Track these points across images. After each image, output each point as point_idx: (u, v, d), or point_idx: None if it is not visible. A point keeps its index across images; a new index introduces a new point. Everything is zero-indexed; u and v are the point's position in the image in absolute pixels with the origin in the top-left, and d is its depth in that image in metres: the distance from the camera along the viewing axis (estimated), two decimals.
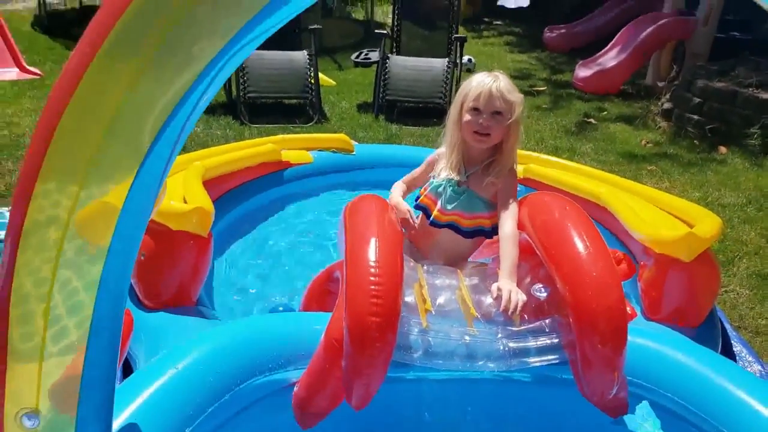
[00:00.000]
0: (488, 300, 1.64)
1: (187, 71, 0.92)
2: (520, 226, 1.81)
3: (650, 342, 1.68)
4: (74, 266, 0.95)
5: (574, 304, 1.47)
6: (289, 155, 3.36)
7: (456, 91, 1.93)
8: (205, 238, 2.16)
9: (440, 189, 1.92)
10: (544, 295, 1.62)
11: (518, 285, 1.67)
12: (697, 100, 5.50)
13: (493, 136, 1.83)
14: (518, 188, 1.99)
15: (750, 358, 2.27)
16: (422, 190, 2.01)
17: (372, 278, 1.44)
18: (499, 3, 6.61)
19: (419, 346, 1.53)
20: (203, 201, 2.20)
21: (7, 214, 1.05)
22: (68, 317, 0.96)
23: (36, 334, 0.95)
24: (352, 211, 1.72)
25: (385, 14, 10.38)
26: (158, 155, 0.95)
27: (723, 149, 5.06)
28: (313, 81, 5.46)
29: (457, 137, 1.89)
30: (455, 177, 1.90)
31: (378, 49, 5.93)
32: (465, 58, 6.50)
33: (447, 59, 5.78)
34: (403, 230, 1.87)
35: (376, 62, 5.92)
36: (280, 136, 3.61)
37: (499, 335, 1.56)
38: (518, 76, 7.59)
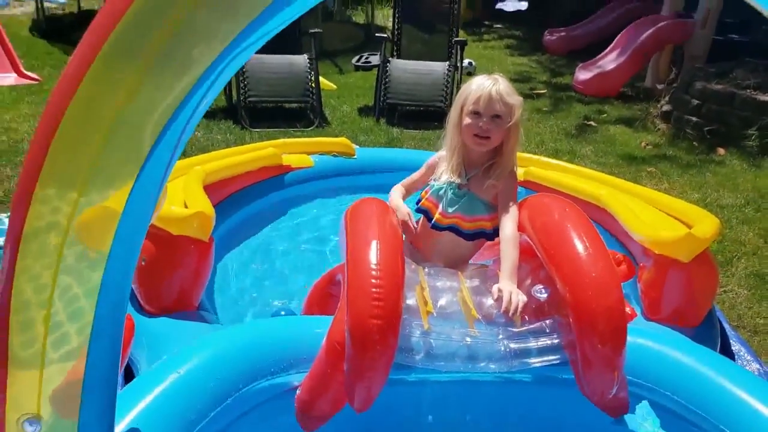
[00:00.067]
0: (489, 301, 1.65)
1: (186, 75, 0.92)
2: (521, 228, 1.81)
3: (650, 342, 1.68)
4: (75, 272, 0.95)
5: (574, 305, 1.47)
6: (290, 159, 3.36)
7: (456, 94, 1.93)
8: (206, 242, 2.16)
9: (441, 192, 1.92)
10: (545, 296, 1.63)
11: (519, 286, 1.68)
12: (696, 102, 5.50)
13: (493, 139, 1.84)
14: (519, 190, 1.99)
15: (748, 357, 2.28)
16: (423, 193, 2.01)
17: (373, 281, 1.44)
18: (497, 6, 6.64)
19: (421, 348, 1.53)
20: (204, 206, 2.21)
21: (7, 221, 1.05)
22: (69, 323, 0.96)
23: (36, 341, 0.95)
24: (353, 214, 1.72)
25: (385, 18, 10.40)
26: (158, 160, 0.96)
27: (721, 151, 5.07)
28: (313, 85, 5.47)
29: (457, 140, 1.90)
30: (456, 180, 1.90)
31: (378, 53, 5.95)
32: (465, 62, 6.51)
33: (447, 63, 5.79)
34: (403, 233, 1.87)
35: (377, 66, 5.92)
36: (281, 141, 3.62)
37: (500, 336, 1.56)
38: (518, 79, 7.60)
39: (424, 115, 5.60)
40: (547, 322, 1.59)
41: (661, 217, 2.47)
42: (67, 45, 7.49)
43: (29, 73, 6.16)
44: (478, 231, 1.92)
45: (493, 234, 1.91)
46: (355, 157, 3.60)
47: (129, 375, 1.92)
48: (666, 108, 5.93)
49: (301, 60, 5.52)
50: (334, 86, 6.64)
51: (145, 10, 0.86)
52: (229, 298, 2.54)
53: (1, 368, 0.94)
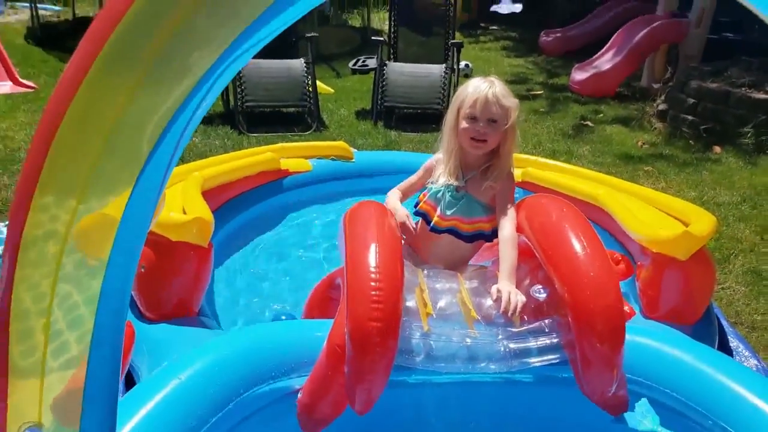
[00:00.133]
0: (488, 302, 1.66)
1: (184, 81, 0.93)
2: (519, 229, 1.82)
3: (648, 340, 1.69)
4: (74, 280, 0.95)
5: (573, 305, 1.48)
6: (288, 164, 3.36)
7: (453, 96, 1.94)
8: (205, 248, 2.16)
9: (439, 195, 1.93)
10: (543, 296, 1.64)
11: (518, 286, 1.69)
12: (692, 100, 5.52)
13: (490, 142, 1.85)
14: (517, 191, 2.00)
15: (746, 353, 2.29)
16: (421, 196, 2.02)
17: (372, 284, 1.45)
18: (492, 9, 6.66)
19: (421, 350, 1.54)
20: (203, 211, 2.21)
21: (5, 229, 1.05)
22: (69, 332, 0.96)
23: (36, 350, 0.95)
24: (352, 217, 1.73)
25: (381, 21, 10.43)
26: (156, 166, 0.96)
27: (717, 149, 5.08)
28: (310, 89, 5.48)
29: (454, 143, 1.91)
30: (453, 182, 1.91)
31: (375, 56, 5.95)
32: (462, 64, 6.52)
33: (444, 65, 5.81)
34: (402, 235, 1.88)
35: (374, 69, 5.93)
36: (279, 145, 3.62)
37: (500, 336, 1.57)
38: (515, 81, 7.62)
39: (421, 118, 5.61)
40: (546, 321, 1.59)
41: (659, 215, 2.47)
42: (62, 52, 7.48)
43: (25, 81, 6.15)
44: (476, 233, 1.92)
45: (492, 235, 1.91)
46: (354, 160, 3.61)
47: (130, 382, 1.92)
48: (662, 107, 5.95)
49: (298, 64, 5.53)
50: (332, 90, 6.65)
51: (142, 16, 0.86)
52: (229, 303, 2.54)
53: (2, 377, 0.94)
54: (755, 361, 2.25)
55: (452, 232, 1.92)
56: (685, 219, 2.35)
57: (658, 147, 5.26)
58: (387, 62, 5.86)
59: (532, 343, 1.55)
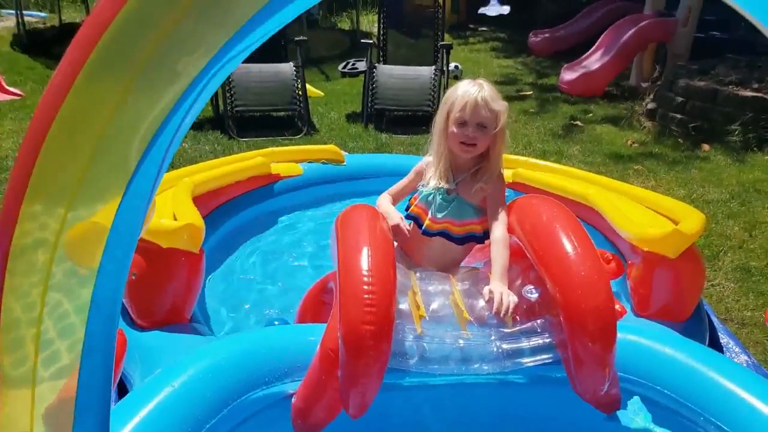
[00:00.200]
0: (481, 303, 1.66)
1: (172, 87, 0.92)
2: (510, 230, 1.83)
3: (640, 338, 1.70)
4: (64, 289, 0.95)
5: (564, 305, 1.49)
6: (279, 168, 3.36)
7: (443, 98, 1.94)
8: (196, 254, 2.15)
9: (430, 198, 1.93)
10: (535, 296, 1.64)
11: (509, 287, 1.69)
12: (680, 99, 5.57)
13: (479, 146, 1.85)
14: (508, 192, 2.01)
15: (737, 349, 2.30)
16: (412, 199, 2.02)
17: (365, 287, 1.45)
18: (480, 11, 6.69)
19: (414, 352, 1.54)
20: (193, 217, 2.20)
21: None
22: (60, 341, 0.96)
23: (27, 360, 0.94)
24: (344, 221, 1.73)
25: (370, 24, 10.44)
26: (146, 173, 0.96)
27: (706, 146, 5.13)
28: (300, 92, 5.48)
29: (443, 146, 1.91)
30: (444, 185, 1.91)
31: (365, 59, 5.96)
32: (452, 65, 6.54)
33: (434, 67, 5.82)
34: (395, 238, 1.88)
35: (364, 72, 5.94)
36: (270, 149, 3.61)
37: (493, 337, 1.57)
38: (505, 81, 7.65)
39: (412, 120, 5.62)
40: (539, 321, 1.60)
41: (648, 214, 2.49)
42: (49, 59, 7.43)
43: (11, 89, 6.11)
44: (468, 235, 1.93)
45: (483, 237, 1.92)
46: (345, 163, 3.61)
47: (122, 390, 1.90)
48: (651, 106, 5.99)
49: (288, 68, 5.53)
50: (322, 93, 6.65)
51: (130, 22, 0.86)
52: (221, 309, 2.53)
53: None
54: (745, 357, 2.27)
55: (444, 234, 1.93)
56: (674, 217, 2.37)
57: (648, 146, 5.30)
58: (376, 65, 5.87)
59: (525, 344, 1.56)
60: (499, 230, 1.83)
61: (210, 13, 0.87)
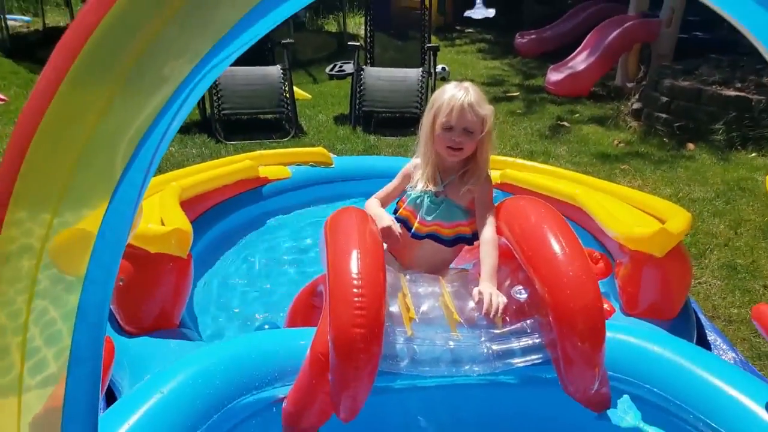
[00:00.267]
0: (470, 304, 1.66)
1: (158, 93, 0.92)
2: (498, 231, 1.83)
3: (629, 337, 1.71)
4: (50, 296, 0.94)
5: (553, 305, 1.50)
6: (267, 171, 3.35)
7: (429, 101, 1.94)
8: (184, 259, 2.14)
9: (418, 201, 1.93)
10: (524, 296, 1.65)
11: (499, 288, 1.70)
12: (665, 99, 5.63)
13: (466, 150, 1.86)
14: (496, 193, 2.01)
15: (724, 347, 2.33)
16: (399, 202, 2.02)
17: (355, 290, 1.44)
18: (466, 14, 6.73)
19: (405, 355, 1.54)
20: (181, 222, 2.19)
21: None
22: (46, 348, 0.95)
23: (14, 368, 0.93)
24: (333, 224, 1.73)
25: (357, 26, 10.44)
26: (132, 179, 0.95)
27: (691, 146, 5.18)
28: (288, 95, 5.47)
29: (430, 149, 1.91)
30: (432, 188, 1.91)
31: (352, 61, 5.96)
32: (439, 67, 6.56)
33: (421, 69, 5.84)
34: (385, 241, 1.88)
35: (351, 74, 5.94)
36: (257, 153, 3.60)
37: (483, 338, 1.58)
38: (491, 83, 7.69)
39: (400, 122, 5.63)
40: (528, 322, 1.61)
41: (635, 213, 2.52)
42: (33, 63, 7.37)
43: None
44: (457, 237, 1.93)
45: (473, 238, 1.92)
46: (333, 166, 3.60)
47: (111, 397, 1.89)
48: (636, 106, 6.05)
49: (275, 71, 5.51)
50: (309, 96, 6.64)
51: (115, 28, 0.85)
52: (210, 314, 2.52)
53: None
54: (733, 354, 2.29)
55: (433, 237, 1.93)
56: (661, 216, 2.39)
57: (634, 145, 5.35)
58: (364, 67, 5.88)
59: (515, 344, 1.57)
60: (488, 231, 1.84)
61: (194, 19, 0.87)
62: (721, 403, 1.51)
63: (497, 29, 11.00)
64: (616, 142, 5.43)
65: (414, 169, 2.00)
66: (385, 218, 1.92)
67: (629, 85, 6.87)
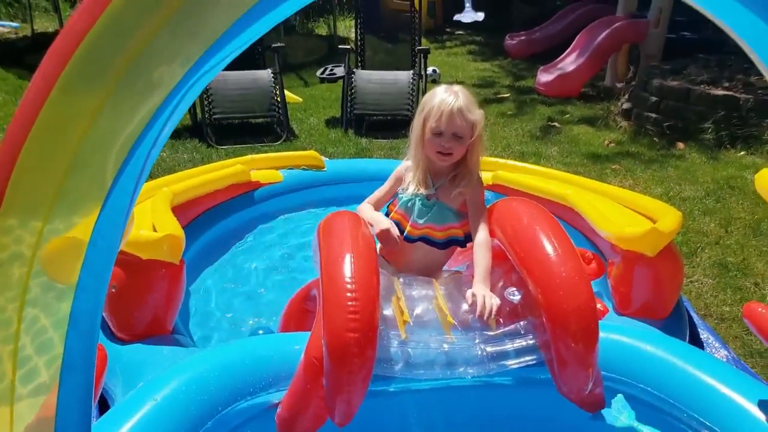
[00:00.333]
0: (464, 307, 1.67)
1: (149, 100, 0.92)
2: (491, 233, 1.84)
3: (622, 336, 1.72)
4: (41, 304, 0.93)
5: (546, 306, 1.50)
6: (259, 175, 3.34)
7: (420, 104, 1.94)
8: (177, 265, 2.13)
9: (410, 204, 1.93)
10: (518, 297, 1.66)
11: (492, 290, 1.70)
12: (654, 98, 5.67)
13: (456, 154, 1.86)
14: (488, 194, 2.01)
15: (717, 345, 2.34)
16: (391, 206, 2.02)
17: (348, 294, 1.44)
18: (455, 18, 6.76)
19: (399, 358, 1.54)
20: (173, 228, 2.18)
21: None
22: (37, 357, 0.94)
23: (5, 377, 0.92)
24: (326, 228, 1.72)
25: (347, 29, 10.45)
26: (124, 186, 0.94)
27: (681, 145, 5.22)
28: (279, 99, 5.46)
29: (421, 153, 1.91)
30: (423, 191, 1.91)
31: (343, 64, 5.96)
32: (429, 69, 6.57)
33: (412, 71, 5.85)
34: (385, 244, 1.87)
35: (342, 77, 5.94)
36: (249, 157, 3.59)
37: (477, 340, 1.58)
38: (482, 84, 7.71)
39: (391, 124, 5.63)
40: (522, 323, 1.61)
41: (626, 213, 2.53)
42: (22, 70, 7.32)
43: None
44: (449, 239, 1.93)
45: (465, 240, 1.93)
46: (325, 169, 3.60)
47: (104, 405, 1.87)
48: (626, 106, 6.09)
49: (265, 75, 5.51)
50: (300, 99, 6.64)
51: (106, 34, 0.85)
52: (203, 319, 2.51)
53: None
54: (725, 352, 2.31)
55: (425, 239, 1.93)
56: (652, 215, 2.41)
57: (624, 145, 5.38)
58: (355, 70, 5.88)
59: (509, 346, 1.57)
60: (480, 233, 1.84)
61: (185, 25, 0.87)
62: (714, 401, 1.52)
63: (487, 31, 11.04)
64: (606, 142, 5.47)
65: (405, 172, 2.00)
66: (383, 221, 1.91)
67: (619, 85, 6.92)
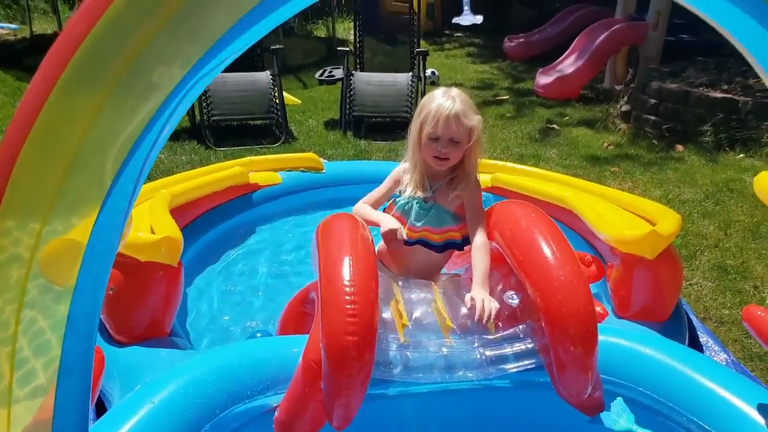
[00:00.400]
0: (463, 310, 1.66)
1: (148, 102, 0.92)
2: (489, 236, 1.83)
3: (621, 340, 1.72)
4: (39, 306, 0.93)
5: (545, 309, 1.50)
6: (257, 177, 3.34)
7: (418, 106, 1.93)
8: (175, 267, 2.12)
9: (407, 207, 1.91)
10: (516, 301, 1.65)
11: (491, 293, 1.70)
12: (653, 101, 5.68)
13: (452, 159, 1.85)
14: (488, 197, 2.01)
15: (716, 348, 2.34)
16: (387, 209, 2.00)
17: (347, 297, 1.44)
18: (453, 21, 6.78)
19: (398, 362, 1.53)
20: (171, 230, 2.17)
21: None
22: (34, 359, 0.94)
23: (2, 379, 0.92)
24: (325, 230, 1.72)
25: (346, 31, 10.46)
26: (122, 188, 0.94)
27: (680, 147, 5.23)
28: (277, 101, 5.46)
29: (418, 156, 1.90)
30: (421, 194, 1.90)
31: (342, 66, 5.97)
32: (428, 71, 6.58)
33: (411, 73, 5.85)
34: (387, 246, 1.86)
35: (341, 79, 5.95)
36: (247, 159, 3.59)
37: (476, 344, 1.58)
38: (481, 87, 7.72)
39: (390, 126, 5.63)
40: (521, 327, 1.61)
41: (626, 216, 2.53)
42: (20, 71, 7.32)
43: None
44: (447, 242, 1.92)
45: (463, 243, 1.92)
46: (324, 171, 3.60)
47: (101, 408, 1.87)
48: (625, 108, 6.10)
49: (264, 76, 5.51)
50: (299, 101, 6.64)
51: (105, 36, 0.85)
52: (201, 322, 2.50)
53: None
54: (725, 355, 2.30)
55: (423, 243, 1.91)
56: (651, 218, 2.40)
57: (623, 147, 5.38)
58: (353, 72, 5.89)
59: (508, 350, 1.57)
60: (478, 237, 1.83)
61: (185, 27, 0.87)
62: (713, 404, 1.51)
63: (486, 33, 11.05)
64: (605, 144, 5.47)
65: (403, 174, 1.99)
66: (390, 221, 1.88)
67: (618, 87, 6.93)
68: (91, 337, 1.01)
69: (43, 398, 0.96)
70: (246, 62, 5.50)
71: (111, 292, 2.00)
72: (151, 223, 2.25)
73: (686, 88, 5.47)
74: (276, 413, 1.54)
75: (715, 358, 2.25)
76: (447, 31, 11.80)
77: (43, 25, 10.04)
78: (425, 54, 5.96)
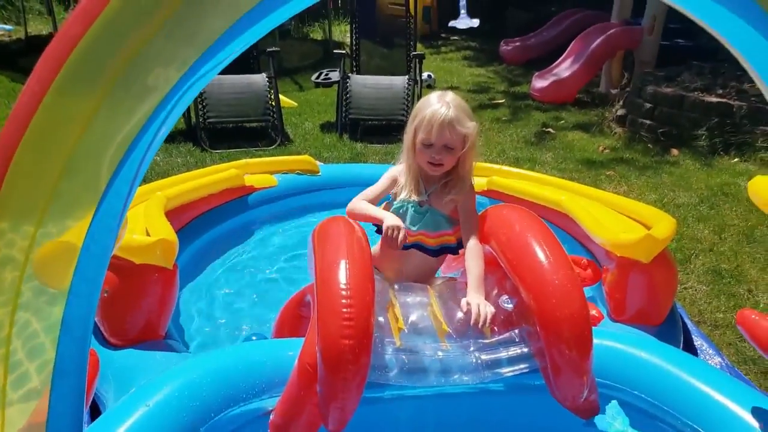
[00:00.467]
0: (459, 314, 1.66)
1: (144, 104, 0.91)
2: (484, 240, 1.83)
3: (616, 343, 1.72)
4: (33, 308, 0.93)
5: (540, 313, 1.50)
6: (253, 180, 3.33)
7: (413, 110, 1.93)
8: (170, 270, 2.12)
9: (402, 210, 1.90)
10: (511, 305, 1.66)
11: (486, 297, 1.70)
12: (648, 105, 5.70)
13: (446, 165, 1.84)
14: (484, 201, 2.01)
15: (711, 351, 2.34)
16: None
17: (343, 301, 1.44)
18: (450, 24, 6.80)
19: (394, 365, 1.53)
20: (166, 232, 2.17)
21: None
22: (28, 362, 0.93)
23: None
24: (321, 233, 1.72)
25: (343, 33, 10.47)
26: (118, 190, 0.94)
27: (675, 151, 5.25)
28: (273, 103, 5.45)
29: (412, 160, 1.90)
30: (416, 197, 1.89)
31: (338, 69, 5.97)
32: (424, 75, 6.59)
33: (407, 76, 5.86)
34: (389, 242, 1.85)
35: (337, 82, 5.95)
36: (243, 161, 3.58)
37: (471, 348, 1.58)
38: (477, 90, 7.73)
39: (386, 129, 5.63)
40: (516, 331, 1.61)
41: (621, 219, 2.54)
42: (15, 72, 7.29)
43: None
44: (442, 246, 1.92)
45: (458, 247, 1.92)
46: (320, 174, 3.60)
47: (95, 411, 1.86)
48: (620, 112, 6.12)
49: (260, 79, 5.50)
50: (295, 104, 6.63)
51: (101, 38, 0.85)
52: (196, 325, 2.49)
53: None
54: (719, 359, 2.31)
55: (418, 246, 1.91)
56: (646, 222, 2.41)
57: (619, 151, 5.40)
58: (350, 75, 5.89)
59: (503, 354, 1.57)
60: (473, 241, 1.83)
61: (182, 28, 0.87)
62: (708, 408, 1.52)
63: (482, 37, 11.08)
64: (601, 148, 5.49)
65: (399, 175, 1.98)
66: (390, 218, 1.83)
67: (613, 91, 6.96)
68: (86, 339, 1.01)
69: (37, 401, 0.95)
70: (242, 64, 5.49)
71: (106, 295, 1.99)
72: (146, 226, 2.25)
73: (681, 93, 5.50)
74: (271, 416, 1.53)
75: (710, 362, 2.26)
76: (443, 35, 11.83)
77: (38, 26, 10.02)
78: (422, 57, 5.97)
